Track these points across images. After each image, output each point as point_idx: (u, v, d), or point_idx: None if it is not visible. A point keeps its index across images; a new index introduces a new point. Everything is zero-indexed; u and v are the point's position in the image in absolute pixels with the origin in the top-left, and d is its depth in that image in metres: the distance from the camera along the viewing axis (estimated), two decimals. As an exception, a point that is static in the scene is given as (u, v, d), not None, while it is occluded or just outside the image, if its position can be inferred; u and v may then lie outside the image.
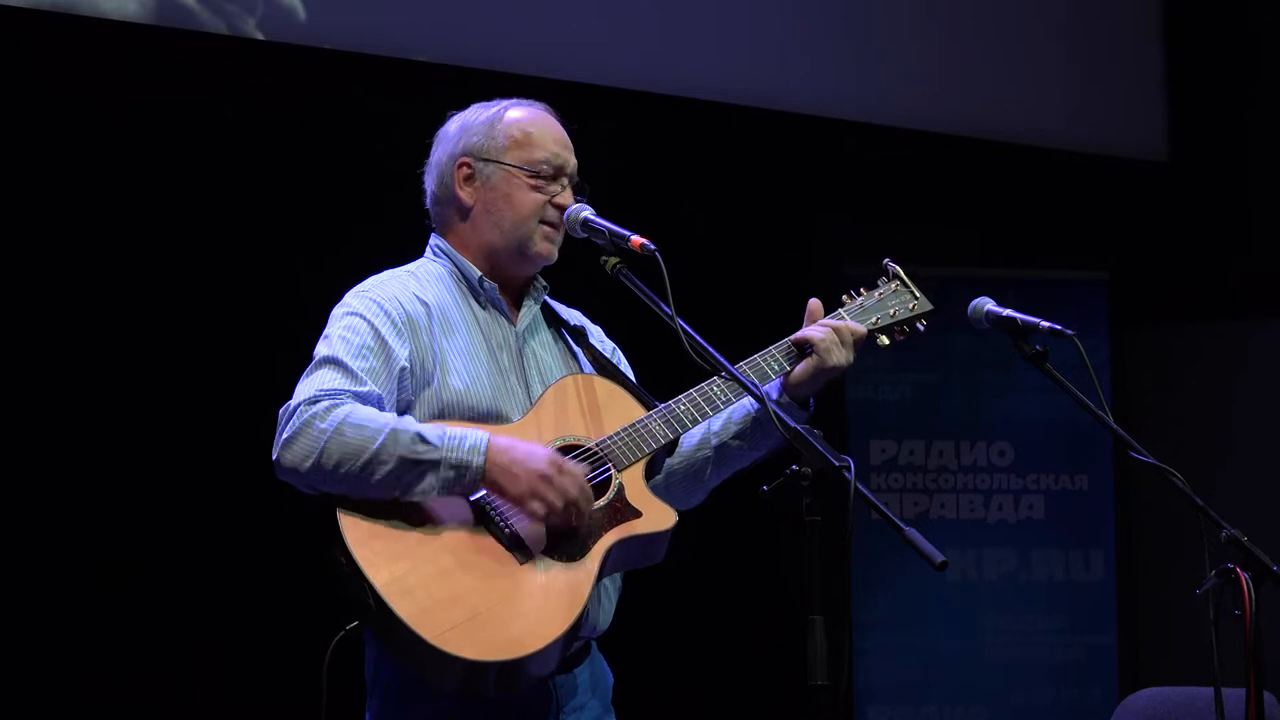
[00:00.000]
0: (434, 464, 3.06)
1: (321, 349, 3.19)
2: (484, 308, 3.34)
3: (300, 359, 3.22)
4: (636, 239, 3.21)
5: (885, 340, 3.44)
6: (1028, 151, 6.92)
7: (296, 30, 5.41)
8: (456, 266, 3.35)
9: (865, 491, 2.91)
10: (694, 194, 6.35)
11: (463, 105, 3.45)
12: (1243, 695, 3.17)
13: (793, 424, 3.03)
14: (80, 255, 5.35)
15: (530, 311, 3.38)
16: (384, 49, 5.56)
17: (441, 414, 3.20)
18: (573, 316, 3.50)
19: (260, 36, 5.35)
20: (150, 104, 5.37)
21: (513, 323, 3.36)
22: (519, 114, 3.38)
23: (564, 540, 3.14)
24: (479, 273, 3.33)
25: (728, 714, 6.57)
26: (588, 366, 3.41)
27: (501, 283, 3.35)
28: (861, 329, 3.38)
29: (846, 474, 2.88)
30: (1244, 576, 3.08)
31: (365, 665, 3.25)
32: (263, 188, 5.56)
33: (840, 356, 3.34)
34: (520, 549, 3.10)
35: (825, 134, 6.54)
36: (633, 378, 3.46)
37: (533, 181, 3.32)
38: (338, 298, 3.30)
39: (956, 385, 6.88)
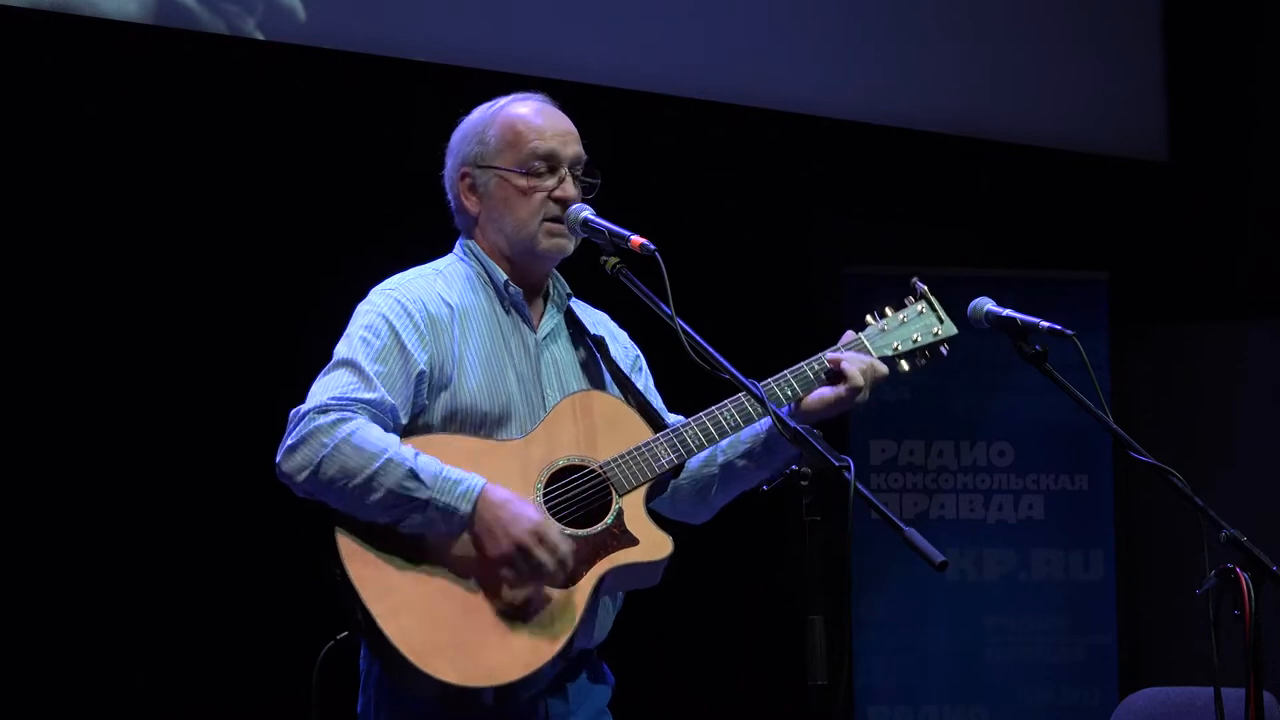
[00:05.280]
0: (422, 503, 3.05)
1: (341, 348, 3.17)
2: (507, 312, 3.32)
3: (297, 362, 3.22)
4: (636, 239, 3.19)
5: (906, 367, 3.39)
6: (1027, 151, 6.92)
7: (296, 30, 5.41)
8: (484, 269, 3.32)
9: (865, 491, 2.91)
10: (693, 194, 6.34)
11: (462, 105, 3.43)
12: (1243, 695, 3.17)
13: (793, 424, 3.03)
14: (80, 256, 5.34)
15: (552, 318, 3.36)
16: (384, 49, 5.56)
17: (453, 416, 3.19)
18: (595, 323, 3.45)
19: (260, 36, 5.35)
20: (150, 104, 5.36)
21: (534, 328, 3.33)
22: (511, 112, 3.34)
23: None
24: (505, 276, 3.31)
25: (728, 714, 6.56)
26: (606, 376, 3.38)
27: (525, 286, 3.33)
28: (884, 370, 3.32)
29: (846, 474, 2.88)
30: (1244, 576, 3.08)
31: (360, 657, 3.24)
32: (263, 188, 5.56)
33: (865, 396, 3.30)
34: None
35: (825, 134, 6.53)
36: (653, 386, 3.45)
37: (527, 182, 3.28)
38: (337, 298, 3.29)
39: (956, 385, 6.86)
